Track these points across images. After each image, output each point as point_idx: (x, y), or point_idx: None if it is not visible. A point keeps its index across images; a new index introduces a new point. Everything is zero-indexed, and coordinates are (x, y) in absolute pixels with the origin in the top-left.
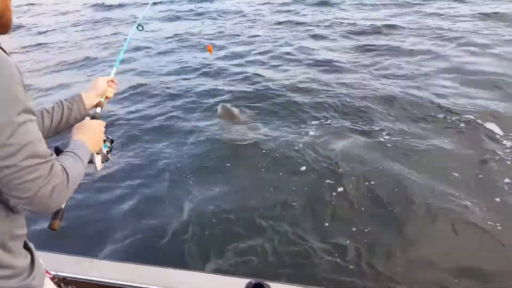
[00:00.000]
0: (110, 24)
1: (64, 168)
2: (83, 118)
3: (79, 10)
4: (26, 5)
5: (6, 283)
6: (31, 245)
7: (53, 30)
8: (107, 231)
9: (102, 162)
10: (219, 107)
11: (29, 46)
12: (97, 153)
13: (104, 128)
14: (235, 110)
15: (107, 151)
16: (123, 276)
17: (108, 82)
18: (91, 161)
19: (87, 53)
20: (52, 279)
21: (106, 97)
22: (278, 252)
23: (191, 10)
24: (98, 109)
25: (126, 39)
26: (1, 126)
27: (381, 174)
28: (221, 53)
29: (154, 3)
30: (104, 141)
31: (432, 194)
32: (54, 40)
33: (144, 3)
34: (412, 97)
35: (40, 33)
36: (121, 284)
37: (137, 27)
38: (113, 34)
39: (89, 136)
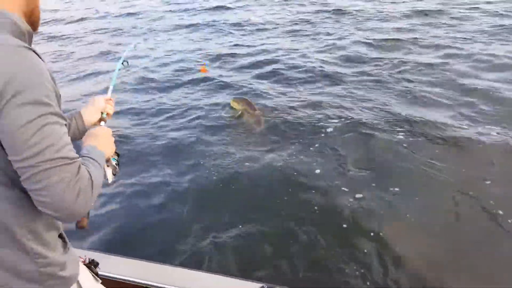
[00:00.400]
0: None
1: (89, 172)
2: (82, 134)
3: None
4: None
5: (43, 271)
6: (64, 235)
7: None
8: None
9: (113, 175)
10: (231, 101)
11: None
12: (107, 166)
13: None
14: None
15: (116, 163)
16: (140, 275)
17: (106, 100)
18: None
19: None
20: (83, 262)
21: (107, 113)
22: (293, 257)
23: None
24: (102, 123)
25: (114, 70)
26: (26, 124)
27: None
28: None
29: (137, 44)
30: None
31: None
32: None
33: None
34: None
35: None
36: (137, 283)
37: (122, 63)
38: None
39: (101, 142)
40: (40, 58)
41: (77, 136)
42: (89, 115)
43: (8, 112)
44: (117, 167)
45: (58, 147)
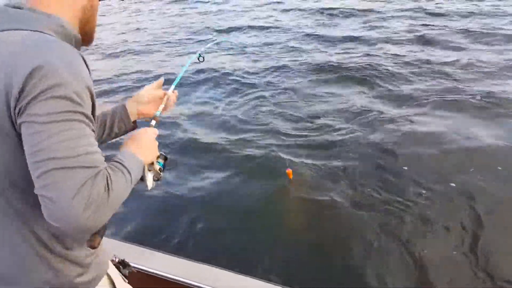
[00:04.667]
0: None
1: (109, 182)
2: (128, 127)
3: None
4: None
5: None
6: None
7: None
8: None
9: (154, 181)
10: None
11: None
12: (149, 170)
13: (156, 139)
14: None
15: (160, 168)
16: (177, 271)
17: (161, 93)
18: (141, 178)
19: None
20: (112, 261)
21: (163, 108)
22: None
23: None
24: (153, 122)
25: (183, 66)
26: (49, 115)
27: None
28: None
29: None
30: (158, 157)
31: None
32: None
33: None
34: None
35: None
36: (176, 280)
37: (198, 58)
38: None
39: (143, 147)
40: (85, 62)
41: (123, 129)
42: (131, 106)
43: (35, 104)
44: (161, 172)
45: (76, 147)
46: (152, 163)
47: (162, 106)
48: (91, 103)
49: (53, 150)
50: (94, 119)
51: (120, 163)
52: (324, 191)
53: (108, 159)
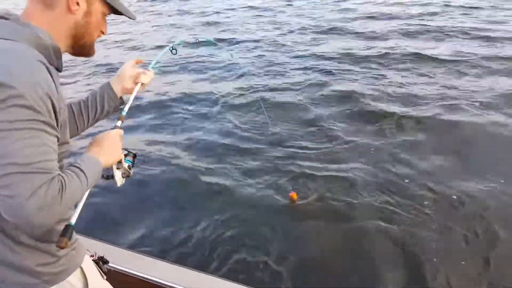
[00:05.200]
0: None
1: (63, 185)
2: (116, 103)
3: None
4: None
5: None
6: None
7: None
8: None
9: (123, 178)
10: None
11: None
12: (118, 168)
13: (121, 138)
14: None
15: (129, 166)
16: (165, 275)
17: (139, 71)
18: (111, 176)
19: None
20: (91, 256)
21: (142, 83)
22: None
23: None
24: (119, 123)
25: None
26: (9, 124)
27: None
28: None
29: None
30: (126, 155)
31: None
32: None
33: None
34: None
35: None
36: (162, 283)
37: (171, 50)
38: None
39: (103, 148)
40: (48, 70)
41: (113, 106)
42: (115, 83)
43: None
44: (130, 170)
45: (35, 154)
46: (120, 161)
47: (127, 106)
48: (52, 109)
49: (14, 156)
50: (58, 123)
51: (77, 167)
52: (330, 202)
53: None
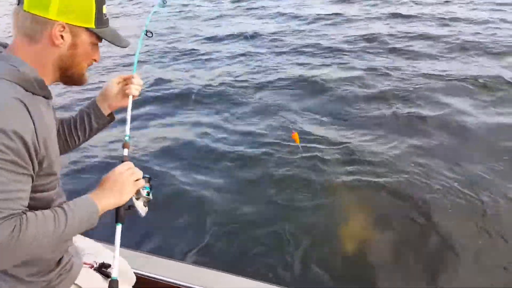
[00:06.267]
0: None
1: (21, 223)
2: (105, 121)
3: None
4: None
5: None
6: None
7: None
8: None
9: (145, 206)
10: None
11: None
12: (137, 199)
13: (130, 172)
14: None
15: (147, 192)
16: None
17: (124, 78)
18: (133, 206)
19: None
20: (91, 267)
21: (133, 96)
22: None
23: None
24: (125, 151)
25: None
26: None
27: None
28: None
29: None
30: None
31: None
32: None
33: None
34: None
35: None
36: (178, 284)
37: (146, 34)
38: None
39: (110, 188)
40: (29, 112)
41: (101, 123)
42: (101, 101)
43: None
44: (149, 196)
45: None
46: (138, 191)
47: (128, 127)
48: (24, 148)
49: None
50: (37, 156)
51: (61, 207)
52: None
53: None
